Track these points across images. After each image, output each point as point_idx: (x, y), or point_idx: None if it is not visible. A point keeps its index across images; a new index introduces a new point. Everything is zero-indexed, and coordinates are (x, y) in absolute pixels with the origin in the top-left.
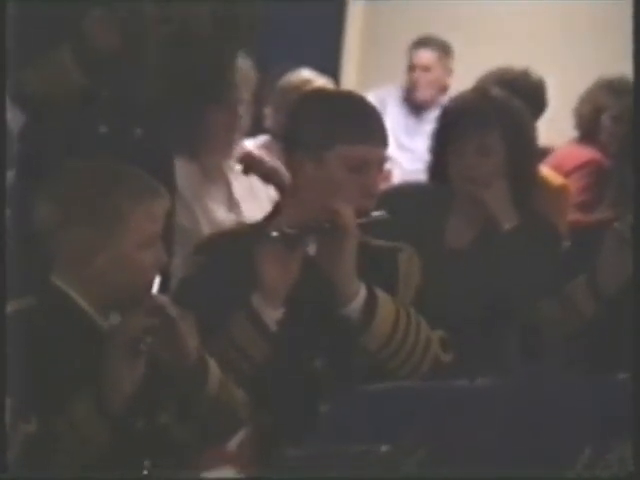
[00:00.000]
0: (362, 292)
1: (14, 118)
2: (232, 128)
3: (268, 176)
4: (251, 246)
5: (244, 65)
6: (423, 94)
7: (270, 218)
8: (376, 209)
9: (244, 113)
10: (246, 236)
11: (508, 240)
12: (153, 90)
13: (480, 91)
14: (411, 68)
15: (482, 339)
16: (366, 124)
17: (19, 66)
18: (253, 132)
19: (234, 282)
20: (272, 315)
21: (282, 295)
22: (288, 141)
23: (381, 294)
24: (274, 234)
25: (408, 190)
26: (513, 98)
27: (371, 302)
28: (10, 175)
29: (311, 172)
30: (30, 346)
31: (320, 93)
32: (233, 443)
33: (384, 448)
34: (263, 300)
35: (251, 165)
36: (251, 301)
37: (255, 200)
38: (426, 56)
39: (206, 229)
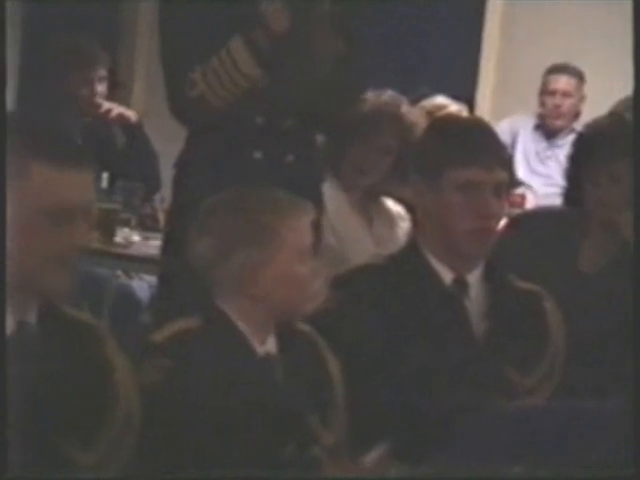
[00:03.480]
0: None
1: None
2: (373, 166)
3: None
4: (391, 283)
5: (393, 102)
6: (562, 119)
7: (407, 250)
8: (511, 233)
9: (389, 152)
10: (386, 271)
11: None
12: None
13: (615, 117)
14: (549, 93)
15: (609, 362)
16: (476, 147)
17: (184, 73)
18: None
19: (371, 319)
20: None
21: None
22: (412, 169)
23: None
24: None
25: (542, 214)
26: None
27: None
28: (158, 198)
29: (429, 198)
30: (190, 364)
31: (437, 120)
32: (370, 457)
33: (517, 469)
34: None
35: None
36: None
37: (393, 228)
38: (566, 81)
39: (351, 253)
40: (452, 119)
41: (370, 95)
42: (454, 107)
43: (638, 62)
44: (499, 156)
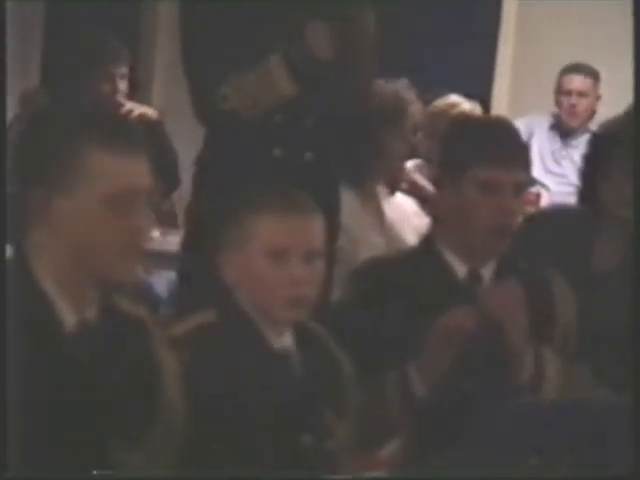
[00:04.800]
0: None
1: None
2: (403, 156)
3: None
4: (405, 276)
5: (408, 96)
6: (578, 119)
7: (422, 244)
8: (525, 230)
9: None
10: (400, 265)
11: None
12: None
13: (630, 117)
14: (565, 93)
15: (622, 359)
16: (498, 147)
17: (214, 83)
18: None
19: (387, 312)
20: (423, 388)
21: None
22: (434, 165)
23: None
24: None
25: (556, 212)
26: None
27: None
28: (176, 195)
29: (450, 194)
30: (208, 359)
31: (464, 118)
32: (387, 451)
33: (532, 461)
34: (419, 374)
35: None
36: (406, 371)
37: (406, 226)
38: (582, 81)
39: (362, 252)
40: (477, 117)
41: (378, 90)
42: (467, 105)
43: (638, 61)
44: (521, 157)
